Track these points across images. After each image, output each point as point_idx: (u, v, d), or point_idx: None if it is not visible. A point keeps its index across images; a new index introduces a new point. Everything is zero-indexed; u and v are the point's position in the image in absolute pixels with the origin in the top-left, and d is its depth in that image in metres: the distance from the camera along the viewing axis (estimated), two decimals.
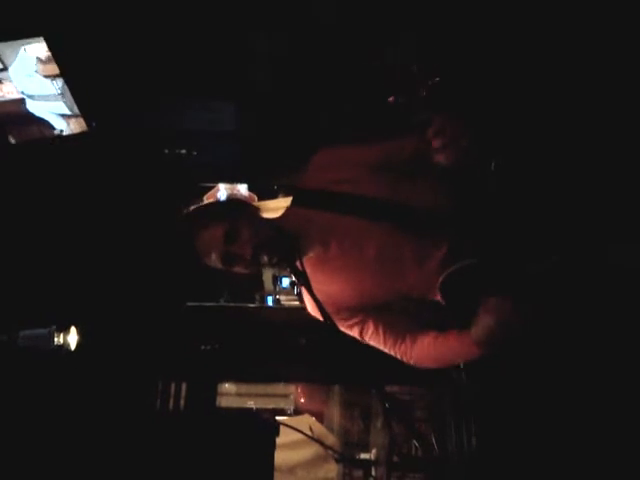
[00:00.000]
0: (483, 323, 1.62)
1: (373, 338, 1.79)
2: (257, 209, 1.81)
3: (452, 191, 1.78)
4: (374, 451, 3.34)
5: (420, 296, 1.79)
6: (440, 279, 1.68)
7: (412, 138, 1.80)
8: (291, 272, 1.66)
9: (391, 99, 2.37)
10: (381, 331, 1.78)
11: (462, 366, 1.86)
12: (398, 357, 1.81)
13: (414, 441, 3.16)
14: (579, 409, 2.17)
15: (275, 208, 2.37)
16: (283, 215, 1.80)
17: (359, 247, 1.74)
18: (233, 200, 2.00)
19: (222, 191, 3.59)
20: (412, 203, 1.74)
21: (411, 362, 1.79)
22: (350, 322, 1.78)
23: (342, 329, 1.75)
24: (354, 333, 1.80)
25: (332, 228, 1.75)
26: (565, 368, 1.92)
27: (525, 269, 1.69)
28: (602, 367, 1.91)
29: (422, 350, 1.76)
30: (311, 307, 1.79)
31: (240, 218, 1.72)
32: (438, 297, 1.74)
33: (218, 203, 1.87)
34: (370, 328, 1.78)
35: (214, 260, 1.69)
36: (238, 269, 1.73)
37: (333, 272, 1.76)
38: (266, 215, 1.83)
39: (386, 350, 1.81)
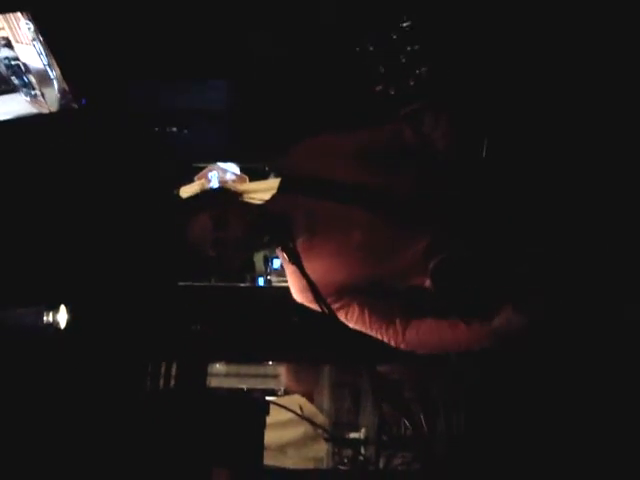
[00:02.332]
0: (513, 321, 1.65)
1: (359, 322, 1.81)
2: (242, 195, 1.83)
3: (436, 179, 1.79)
4: (363, 430, 3.36)
5: (407, 281, 1.80)
6: (431, 265, 1.70)
7: (394, 126, 1.81)
8: (283, 251, 1.67)
9: (379, 88, 2.37)
10: (367, 315, 1.80)
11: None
12: (386, 341, 1.82)
13: (403, 421, 3.19)
14: (567, 394, 2.20)
15: (266, 189, 2.37)
16: (269, 201, 1.81)
17: (344, 233, 1.75)
18: (218, 189, 2.03)
19: (213, 172, 3.58)
20: (394, 191, 1.75)
21: (401, 346, 1.81)
22: (335, 305, 1.79)
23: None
24: (340, 316, 1.81)
25: (317, 214, 1.76)
26: (554, 357, 1.94)
27: (512, 270, 1.71)
28: (590, 358, 1.94)
29: (417, 335, 1.78)
30: (296, 291, 1.81)
31: (226, 204, 1.74)
32: (425, 283, 1.76)
33: (202, 194, 1.89)
34: (355, 312, 1.80)
35: (206, 248, 1.70)
36: (231, 255, 1.74)
37: (318, 257, 1.77)
38: (258, 195, 1.84)
39: (373, 334, 1.82)
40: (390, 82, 2.26)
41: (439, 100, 1.82)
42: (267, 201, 1.81)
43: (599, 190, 1.90)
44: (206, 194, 1.90)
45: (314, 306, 1.68)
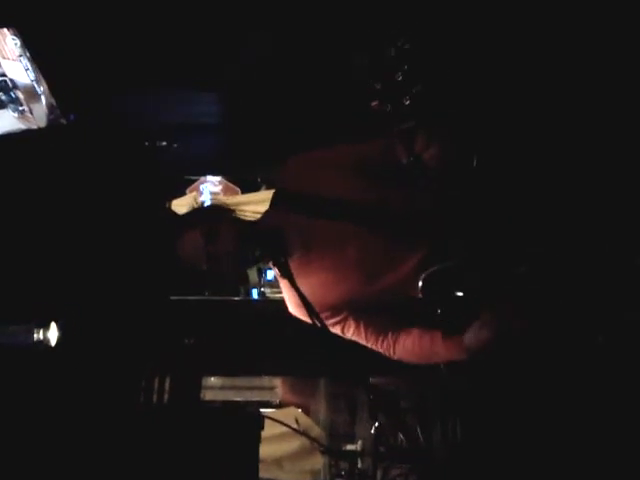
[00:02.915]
0: (479, 336, 1.67)
1: (355, 335, 1.84)
2: (234, 210, 1.84)
3: (430, 193, 1.80)
4: (360, 442, 3.34)
5: (401, 294, 1.81)
6: (421, 278, 1.71)
7: (387, 141, 1.82)
8: (275, 265, 1.67)
9: (375, 104, 2.38)
10: (362, 329, 1.82)
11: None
12: (382, 352, 1.84)
13: (400, 432, 3.17)
14: (563, 402, 2.19)
15: (258, 201, 2.37)
16: (263, 216, 1.82)
17: (339, 250, 1.76)
18: (209, 206, 2.05)
19: (205, 184, 3.57)
20: (389, 205, 1.76)
21: (394, 357, 1.84)
22: (332, 321, 1.81)
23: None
24: (336, 330, 1.83)
25: (312, 231, 1.77)
26: (549, 361, 1.94)
27: (512, 270, 1.71)
28: (587, 362, 1.94)
29: (405, 347, 1.80)
30: (292, 306, 1.81)
31: (217, 219, 1.75)
32: (419, 295, 1.77)
33: (193, 211, 1.90)
34: (352, 326, 1.82)
35: (198, 263, 1.70)
36: (224, 269, 1.74)
37: (314, 273, 1.78)
38: (250, 208, 1.85)
39: (369, 346, 1.84)
40: (386, 98, 2.27)
41: (431, 120, 1.83)
42: (260, 216, 1.82)
43: (597, 191, 1.91)
44: (196, 211, 1.90)
45: (309, 320, 1.68)
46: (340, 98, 2.72)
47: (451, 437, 3.01)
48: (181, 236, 1.73)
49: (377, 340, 1.83)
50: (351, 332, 1.83)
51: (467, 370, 1.84)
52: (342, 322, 1.82)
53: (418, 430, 3.08)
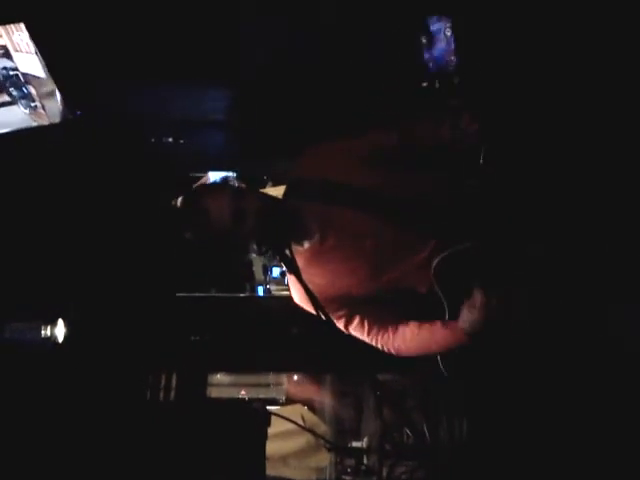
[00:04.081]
0: (468, 318, 1.67)
1: (357, 330, 1.84)
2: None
3: (443, 181, 1.80)
4: (366, 440, 3.34)
5: (409, 286, 1.81)
6: (434, 263, 1.71)
7: (397, 130, 1.82)
8: (280, 259, 1.67)
9: (424, 84, 2.46)
10: (366, 323, 1.83)
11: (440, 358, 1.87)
12: (379, 347, 1.84)
13: (406, 429, 3.17)
14: (567, 399, 2.19)
15: None
16: (279, 202, 1.82)
17: (357, 239, 1.76)
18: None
19: (212, 180, 3.56)
20: (403, 194, 1.76)
21: (392, 352, 1.83)
22: (337, 314, 1.81)
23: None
24: (339, 324, 1.82)
25: (329, 220, 1.76)
26: (552, 358, 1.95)
27: (524, 253, 1.72)
28: (590, 360, 1.94)
29: (403, 341, 1.80)
30: (298, 297, 1.81)
31: (241, 188, 1.78)
32: (424, 289, 1.77)
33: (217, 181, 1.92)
34: (356, 320, 1.83)
35: (225, 221, 1.67)
36: (247, 228, 1.70)
37: (327, 264, 1.78)
38: None
39: (367, 340, 1.85)
40: (437, 77, 2.34)
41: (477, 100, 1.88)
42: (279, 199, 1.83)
43: (597, 190, 1.91)
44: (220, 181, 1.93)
45: (314, 312, 1.69)
46: (351, 95, 2.72)
47: (457, 434, 3.01)
48: (210, 193, 1.72)
49: (377, 334, 1.83)
50: (354, 326, 1.83)
51: (465, 363, 1.84)
52: (347, 317, 1.82)
53: (424, 427, 3.08)
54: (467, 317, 1.68)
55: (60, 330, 2.90)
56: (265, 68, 2.69)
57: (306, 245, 1.76)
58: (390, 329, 1.81)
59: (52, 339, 2.87)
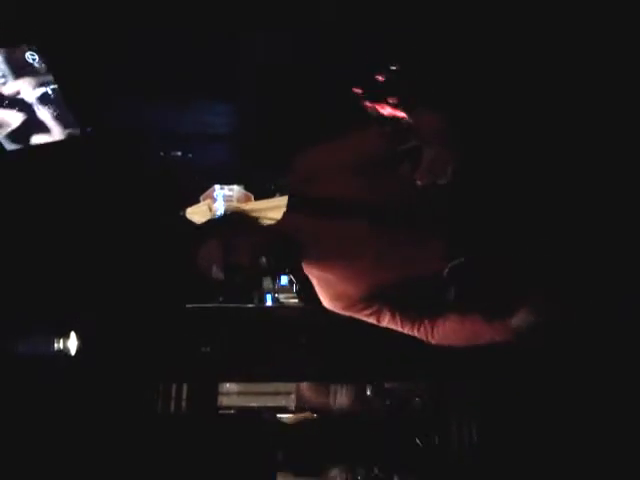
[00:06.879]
0: (527, 320, 1.69)
1: (391, 324, 1.85)
2: (253, 217, 1.85)
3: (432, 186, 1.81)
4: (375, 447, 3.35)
5: (428, 280, 1.82)
6: (446, 270, 1.73)
7: (380, 135, 1.84)
8: (292, 275, 1.69)
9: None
10: (398, 317, 1.83)
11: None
12: (418, 338, 1.86)
13: (415, 436, 3.18)
14: (578, 404, 2.19)
15: (272, 207, 2.37)
16: (280, 222, 1.84)
17: (358, 250, 1.78)
18: (225, 216, 2.06)
19: (218, 191, 3.59)
20: (397, 200, 1.77)
21: (433, 342, 1.84)
22: (366, 312, 1.83)
23: (360, 317, 1.82)
24: (372, 320, 1.86)
25: (328, 234, 1.78)
26: (565, 362, 1.95)
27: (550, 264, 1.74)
28: (603, 364, 1.94)
29: (445, 332, 1.82)
30: (327, 300, 1.84)
31: (235, 228, 1.77)
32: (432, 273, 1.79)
33: (210, 221, 1.92)
34: (387, 315, 1.84)
35: (216, 273, 1.72)
36: (241, 278, 1.76)
37: (339, 273, 1.80)
38: (264, 214, 1.87)
39: (405, 332, 1.86)
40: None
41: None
42: (277, 222, 1.83)
43: (598, 190, 1.92)
44: (214, 221, 1.93)
45: (345, 313, 1.74)
46: (350, 107, 2.73)
47: (467, 440, 3.02)
48: (200, 246, 1.75)
49: (413, 327, 1.83)
50: (386, 321, 1.84)
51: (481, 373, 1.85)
52: (377, 313, 1.84)
53: (434, 433, 3.08)
54: (526, 319, 1.69)
55: (73, 343, 2.93)
56: (271, 83, 2.72)
57: (313, 258, 1.79)
58: (427, 321, 1.82)
59: (65, 352, 2.89)
